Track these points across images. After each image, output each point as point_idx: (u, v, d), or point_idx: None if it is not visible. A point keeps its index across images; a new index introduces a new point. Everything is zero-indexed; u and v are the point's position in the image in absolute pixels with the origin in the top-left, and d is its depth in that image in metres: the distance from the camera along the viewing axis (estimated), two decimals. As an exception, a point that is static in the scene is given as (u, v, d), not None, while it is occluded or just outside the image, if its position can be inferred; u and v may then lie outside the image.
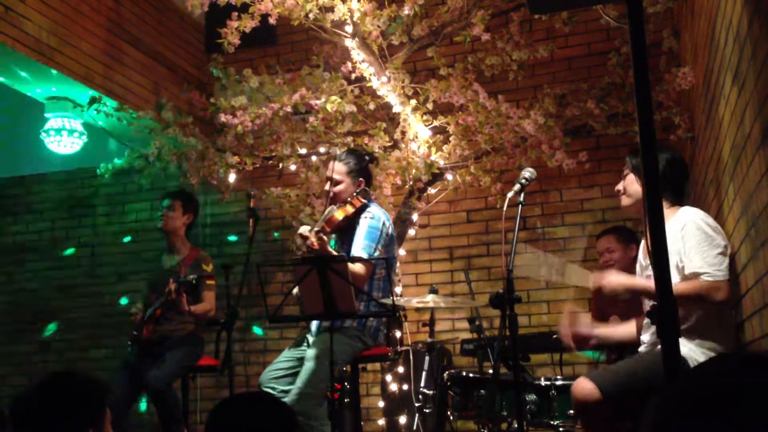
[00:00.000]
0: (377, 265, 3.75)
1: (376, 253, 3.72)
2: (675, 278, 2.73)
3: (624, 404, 2.78)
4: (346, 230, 3.84)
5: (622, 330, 3.30)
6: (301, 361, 3.76)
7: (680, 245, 2.82)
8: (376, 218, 3.80)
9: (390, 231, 3.87)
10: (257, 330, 6.05)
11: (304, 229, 3.73)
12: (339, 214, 3.77)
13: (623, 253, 4.28)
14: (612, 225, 4.75)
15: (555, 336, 4.11)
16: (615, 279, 2.98)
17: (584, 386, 2.79)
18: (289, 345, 3.94)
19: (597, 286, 3.01)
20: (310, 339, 3.83)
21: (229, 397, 1.97)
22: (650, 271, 2.93)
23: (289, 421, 1.78)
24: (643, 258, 3.16)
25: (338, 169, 3.96)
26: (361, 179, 3.95)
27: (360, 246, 3.73)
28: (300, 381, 3.55)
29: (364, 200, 3.84)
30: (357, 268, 3.60)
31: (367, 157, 4.10)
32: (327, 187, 4.00)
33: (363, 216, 3.82)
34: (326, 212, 3.81)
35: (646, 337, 3.05)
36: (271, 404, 1.79)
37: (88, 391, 1.99)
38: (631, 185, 3.13)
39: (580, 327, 3.25)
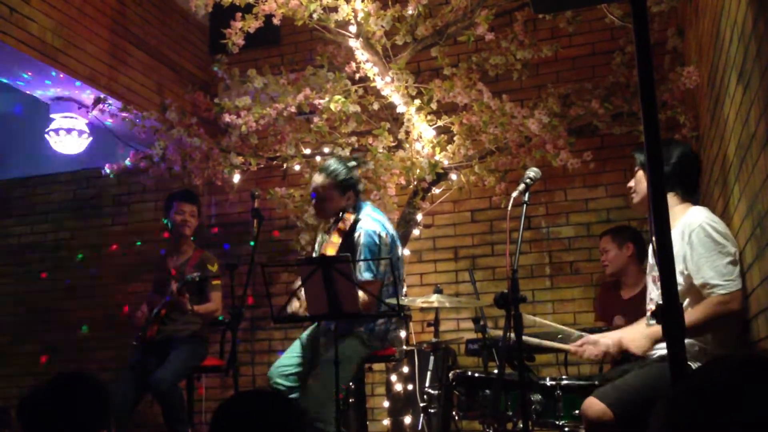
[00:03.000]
0: (386, 273, 3.69)
1: (381, 268, 3.65)
2: (679, 285, 2.69)
3: (634, 420, 2.76)
4: (345, 249, 3.74)
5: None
6: (309, 359, 3.77)
7: (687, 251, 2.78)
8: (368, 233, 3.65)
9: (389, 239, 3.72)
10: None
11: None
12: (329, 250, 3.65)
13: (617, 253, 4.30)
14: (615, 225, 4.75)
15: (560, 336, 4.11)
16: (640, 341, 2.86)
17: (596, 407, 2.78)
18: (297, 340, 3.95)
19: (618, 352, 2.96)
20: (322, 339, 3.83)
21: (236, 394, 1.96)
22: (657, 271, 2.93)
23: (298, 419, 1.77)
24: (651, 257, 3.14)
25: (322, 182, 3.82)
26: (350, 192, 3.78)
27: (362, 268, 3.63)
28: (316, 383, 3.55)
29: (353, 215, 3.70)
30: (363, 295, 3.43)
31: (353, 163, 3.87)
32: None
33: (356, 234, 3.68)
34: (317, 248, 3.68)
35: None
36: (279, 401, 1.78)
37: (100, 392, 2.00)
38: (641, 182, 3.11)
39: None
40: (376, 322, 3.73)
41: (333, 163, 3.88)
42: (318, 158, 5.13)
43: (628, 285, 4.32)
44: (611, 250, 4.33)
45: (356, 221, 3.70)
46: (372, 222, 3.72)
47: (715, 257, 2.73)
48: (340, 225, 3.69)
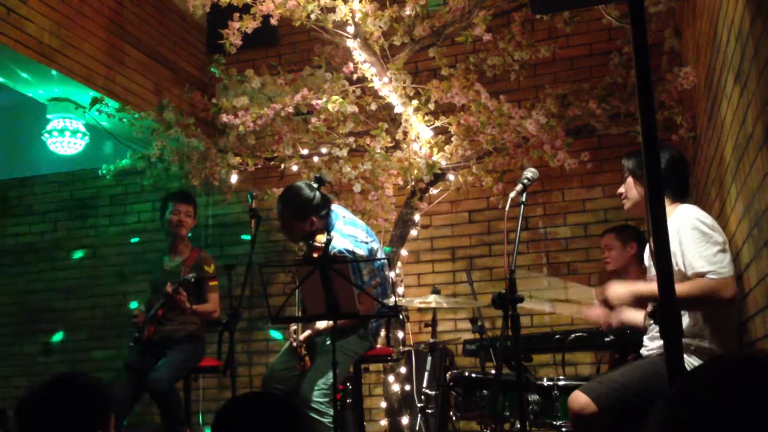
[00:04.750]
0: (370, 280, 3.72)
1: (367, 278, 3.68)
2: None
3: (620, 416, 2.77)
4: None
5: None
6: (303, 361, 3.77)
7: (676, 247, 2.80)
8: (344, 252, 3.62)
9: (365, 251, 3.70)
10: (275, 334, 6.02)
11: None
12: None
13: (621, 251, 4.31)
14: (614, 225, 4.75)
15: (558, 336, 4.12)
16: (619, 289, 2.90)
17: (580, 399, 2.79)
18: (286, 345, 3.95)
19: (602, 298, 2.97)
20: (317, 338, 3.84)
21: (236, 397, 1.96)
22: (654, 272, 2.94)
23: (296, 421, 1.77)
24: (647, 259, 3.14)
25: (281, 211, 3.81)
26: (311, 218, 3.74)
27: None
28: (316, 378, 3.56)
29: (323, 238, 3.63)
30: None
31: (315, 185, 3.79)
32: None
33: (331, 254, 3.61)
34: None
35: (647, 340, 3.03)
36: (278, 404, 1.78)
37: (97, 392, 2.00)
38: (631, 189, 3.13)
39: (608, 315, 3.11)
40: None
41: (290, 190, 3.82)
42: (315, 159, 5.13)
43: (628, 285, 4.32)
44: (615, 248, 4.34)
45: (328, 241, 3.64)
46: (343, 239, 3.68)
47: (704, 247, 2.75)
48: (315, 249, 3.61)
